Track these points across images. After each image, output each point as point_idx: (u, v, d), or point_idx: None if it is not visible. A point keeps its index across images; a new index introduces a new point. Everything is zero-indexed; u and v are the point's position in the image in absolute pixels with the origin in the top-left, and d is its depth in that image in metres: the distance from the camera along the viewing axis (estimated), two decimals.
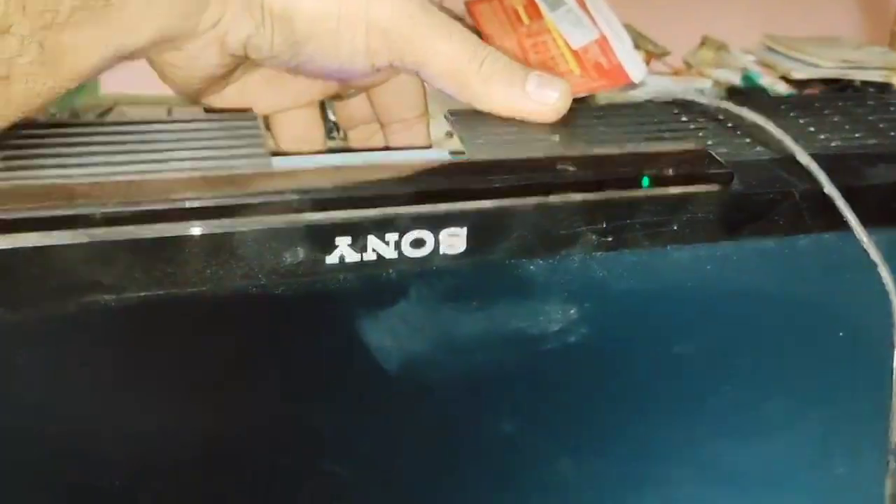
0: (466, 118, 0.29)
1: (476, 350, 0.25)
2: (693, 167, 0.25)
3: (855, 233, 0.26)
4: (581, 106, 0.30)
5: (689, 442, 0.29)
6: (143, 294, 0.21)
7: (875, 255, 0.26)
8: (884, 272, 0.26)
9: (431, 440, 0.26)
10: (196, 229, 0.21)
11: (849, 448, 0.30)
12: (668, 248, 0.26)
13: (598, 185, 0.24)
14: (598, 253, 0.25)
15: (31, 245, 0.20)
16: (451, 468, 0.27)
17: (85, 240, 0.21)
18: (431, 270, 0.24)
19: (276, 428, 0.25)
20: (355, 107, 0.35)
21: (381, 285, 0.24)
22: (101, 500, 0.23)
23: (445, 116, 0.29)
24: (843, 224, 0.26)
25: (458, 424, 0.27)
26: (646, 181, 0.24)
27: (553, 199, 0.24)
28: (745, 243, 0.26)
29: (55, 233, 0.20)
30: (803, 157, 0.26)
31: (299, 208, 0.22)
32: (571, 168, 0.24)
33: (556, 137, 0.28)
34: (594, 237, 0.24)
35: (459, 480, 0.28)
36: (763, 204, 0.26)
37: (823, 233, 0.27)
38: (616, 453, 0.29)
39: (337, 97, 0.35)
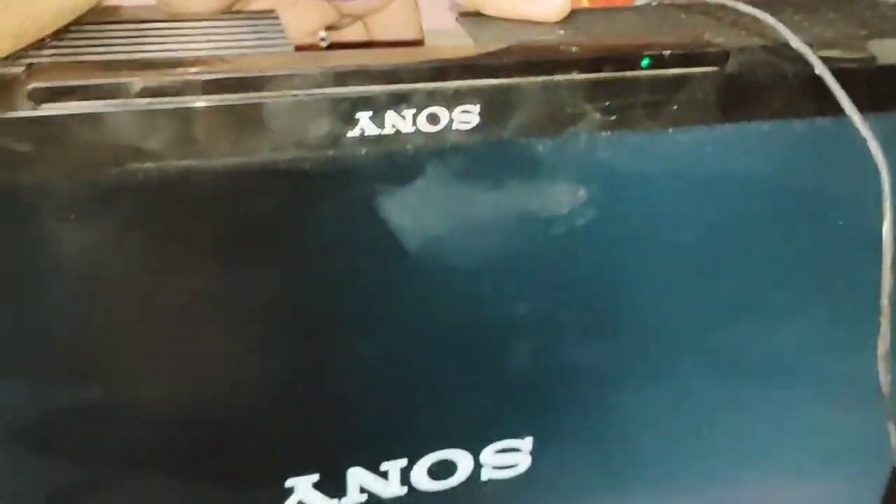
0: (475, 20, 0.30)
1: (487, 227, 0.27)
2: (690, 49, 0.26)
3: (845, 110, 0.27)
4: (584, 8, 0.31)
5: (686, 320, 0.31)
6: (179, 163, 0.23)
7: (866, 133, 0.27)
8: (874, 149, 0.27)
9: (446, 315, 0.28)
10: (228, 100, 0.23)
11: (843, 325, 0.31)
12: (669, 129, 0.27)
13: (600, 65, 0.26)
14: (603, 132, 0.27)
15: (74, 112, 0.22)
16: (464, 342, 0.29)
17: (125, 109, 0.22)
18: (446, 146, 0.25)
19: (296, 301, 0.27)
20: (351, 36, 0.36)
21: (398, 160, 0.25)
22: (135, 361, 0.25)
23: (456, 19, 0.31)
24: (835, 108, 0.28)
25: (470, 300, 0.28)
26: (646, 62, 0.26)
27: (558, 77, 0.25)
28: (742, 126, 0.28)
29: (97, 102, 0.22)
30: (795, 42, 0.27)
31: (323, 83, 0.24)
32: (575, 48, 0.26)
33: (561, 32, 0.29)
34: (598, 115, 0.26)
35: (471, 356, 0.29)
36: (757, 85, 0.27)
37: (816, 116, 0.28)
38: (618, 332, 0.31)
39: (333, 27, 0.36)
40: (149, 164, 0.23)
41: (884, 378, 0.27)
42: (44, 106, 0.22)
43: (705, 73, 0.26)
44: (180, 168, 0.24)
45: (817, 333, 0.32)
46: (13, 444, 0.25)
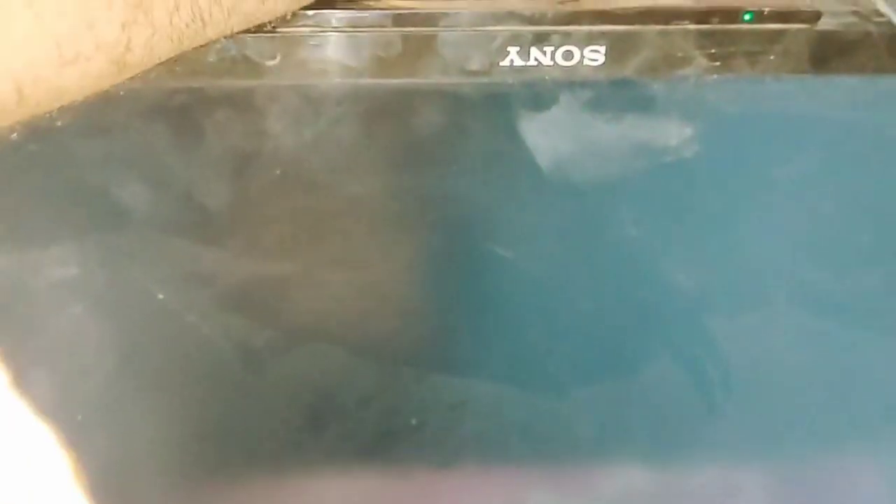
0: None
1: (606, 152, 0.33)
2: (786, 7, 0.32)
3: None
4: None
5: (778, 255, 0.35)
6: (370, 80, 0.31)
7: None
8: None
9: (566, 225, 0.34)
10: (411, 31, 0.30)
11: None
12: (767, 77, 0.32)
13: (708, 17, 0.31)
14: (708, 76, 0.32)
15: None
16: (586, 245, 0.34)
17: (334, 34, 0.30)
18: (577, 80, 0.32)
19: (447, 206, 0.33)
20: None
21: (538, 89, 0.32)
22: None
23: None
24: None
25: (587, 215, 0.34)
26: (748, 16, 0.31)
27: (672, 26, 0.31)
28: (832, 79, 0.33)
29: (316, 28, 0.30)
30: (883, 7, 0.32)
31: (484, 22, 0.30)
32: (688, 3, 0.31)
33: None
34: (705, 61, 0.32)
35: (585, 268, 0.35)
36: (845, 41, 0.32)
37: None
38: (717, 260, 0.35)
39: None
40: (349, 80, 0.30)
41: None
42: (279, 29, 0.30)
43: (799, 29, 0.32)
44: (371, 84, 0.31)
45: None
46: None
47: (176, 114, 0.30)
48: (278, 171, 0.32)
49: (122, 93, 0.29)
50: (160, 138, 0.30)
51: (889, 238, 0.36)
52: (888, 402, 0.40)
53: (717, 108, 0.33)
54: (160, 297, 0.33)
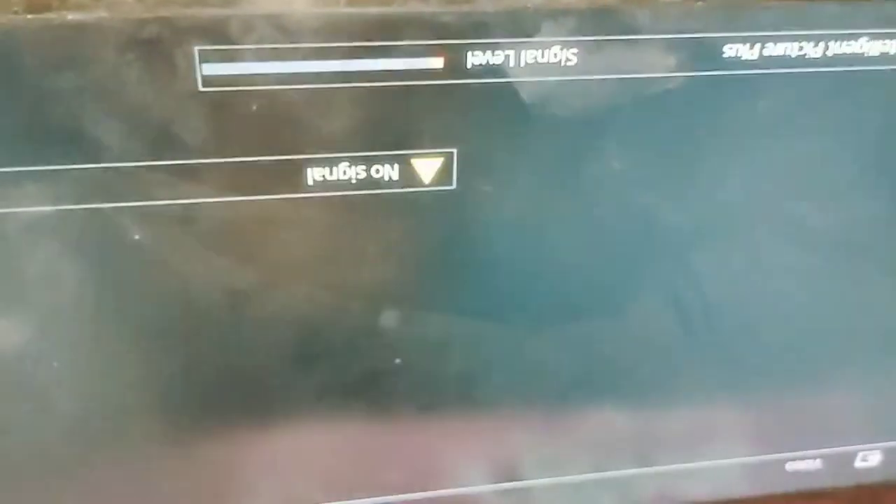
0: None
1: (591, 85, 0.32)
2: None
3: None
4: None
5: (761, 188, 0.35)
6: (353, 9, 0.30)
7: None
8: None
9: (552, 159, 0.34)
10: None
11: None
12: (756, 5, 0.32)
13: None
14: (696, 2, 0.31)
15: None
16: (568, 179, 0.34)
17: None
18: (559, 8, 0.31)
19: None
20: None
21: (520, 19, 0.31)
22: None
23: None
24: None
25: (573, 148, 0.34)
26: None
27: None
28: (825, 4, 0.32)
29: None
30: None
31: None
32: None
33: None
34: None
35: (573, 190, 0.35)
36: None
37: None
38: (699, 192, 0.35)
39: None
40: (325, 9, 0.30)
41: None
42: None
43: None
44: (347, 13, 0.30)
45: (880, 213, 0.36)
46: None
47: (147, 45, 0.29)
48: (254, 106, 0.31)
49: (92, 23, 0.28)
50: (132, 70, 0.29)
51: (870, 172, 0.35)
52: (869, 338, 0.40)
53: (705, 36, 0.32)
54: (136, 237, 0.32)
